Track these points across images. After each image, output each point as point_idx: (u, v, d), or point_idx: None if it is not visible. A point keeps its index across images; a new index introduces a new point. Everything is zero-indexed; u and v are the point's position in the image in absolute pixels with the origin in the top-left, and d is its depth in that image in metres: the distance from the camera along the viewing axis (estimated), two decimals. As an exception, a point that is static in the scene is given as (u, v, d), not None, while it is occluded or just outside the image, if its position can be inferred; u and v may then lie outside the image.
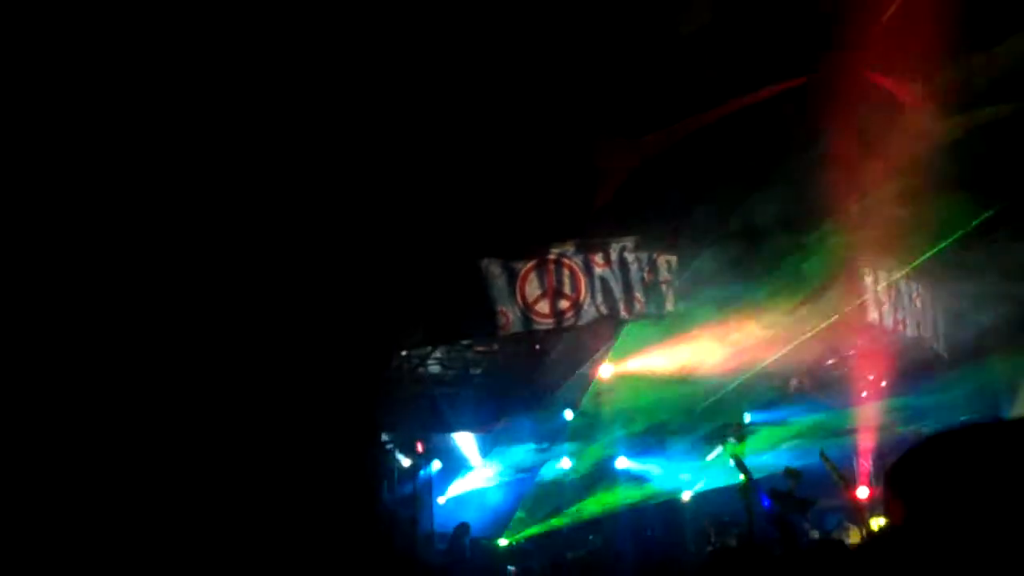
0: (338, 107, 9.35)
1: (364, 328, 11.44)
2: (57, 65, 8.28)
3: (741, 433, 14.48)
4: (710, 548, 13.07)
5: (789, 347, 13.95)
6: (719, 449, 16.07)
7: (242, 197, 9.92)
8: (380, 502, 12.40)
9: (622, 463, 16.11)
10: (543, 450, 15.94)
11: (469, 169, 11.31)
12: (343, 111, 9.45)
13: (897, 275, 13.12)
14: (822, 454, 12.20)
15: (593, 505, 15.83)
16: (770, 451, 15.01)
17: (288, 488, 9.83)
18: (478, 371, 14.39)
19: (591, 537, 15.46)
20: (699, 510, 15.26)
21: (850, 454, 16.72)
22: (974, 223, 10.75)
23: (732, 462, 10.55)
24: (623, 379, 14.10)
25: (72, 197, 8.92)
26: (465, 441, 15.41)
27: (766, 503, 8.77)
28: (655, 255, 12.08)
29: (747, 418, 15.30)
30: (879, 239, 11.69)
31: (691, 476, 16.30)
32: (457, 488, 15.47)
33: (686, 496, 16.64)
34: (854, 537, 13.34)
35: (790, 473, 11.79)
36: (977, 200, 10.77)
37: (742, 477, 10.55)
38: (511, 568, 13.26)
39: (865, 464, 16.69)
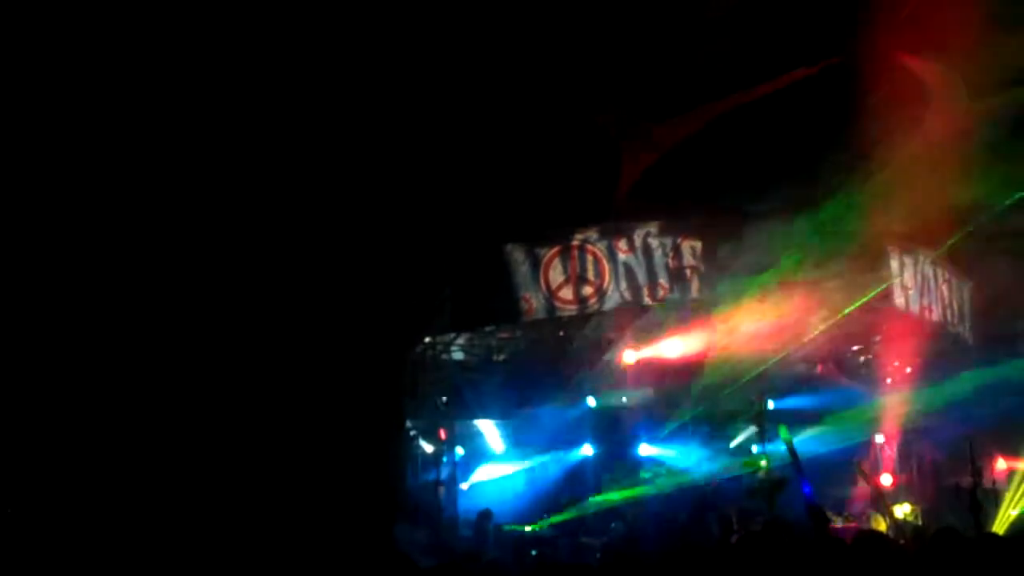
0: (367, 93, 9.38)
1: (388, 314, 11.44)
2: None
3: (762, 419, 14.36)
4: (734, 535, 13.02)
5: (814, 331, 13.88)
6: (742, 436, 15.99)
7: (265, 183, 9.95)
8: (403, 488, 12.41)
9: (645, 450, 16.07)
10: (566, 437, 15.91)
11: (492, 156, 11.31)
12: (372, 97, 9.48)
13: (924, 260, 13.03)
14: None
15: (616, 492, 15.79)
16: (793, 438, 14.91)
17: (311, 474, 9.86)
18: (501, 357, 14.39)
19: (613, 524, 15.39)
20: (722, 497, 15.19)
21: (874, 442, 16.64)
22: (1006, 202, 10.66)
23: (785, 446, 10.44)
24: (646, 365, 14.06)
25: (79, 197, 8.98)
26: (488, 428, 15.41)
27: (807, 490, 8.69)
28: (679, 240, 12.04)
29: (769, 404, 15.18)
30: (906, 221, 11.61)
31: (714, 463, 16.22)
32: (480, 475, 15.44)
33: (709, 483, 16.57)
34: (878, 524, 13.33)
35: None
36: (1008, 182, 10.69)
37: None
38: (534, 553, 13.21)
39: (889, 452, 16.62)
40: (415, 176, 10.86)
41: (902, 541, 9.81)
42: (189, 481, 9.13)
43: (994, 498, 13.31)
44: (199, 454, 9.22)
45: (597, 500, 15.53)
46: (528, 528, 14.72)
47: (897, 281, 12.71)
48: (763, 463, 13.60)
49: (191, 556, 8.66)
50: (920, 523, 13.99)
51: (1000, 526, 12.87)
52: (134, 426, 9.12)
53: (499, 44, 9.87)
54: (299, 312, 10.31)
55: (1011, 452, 14.77)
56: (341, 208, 10.59)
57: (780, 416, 14.68)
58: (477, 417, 14.83)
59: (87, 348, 9.06)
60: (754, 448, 15.40)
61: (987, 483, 12.72)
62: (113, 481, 8.97)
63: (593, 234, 12.11)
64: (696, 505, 15.71)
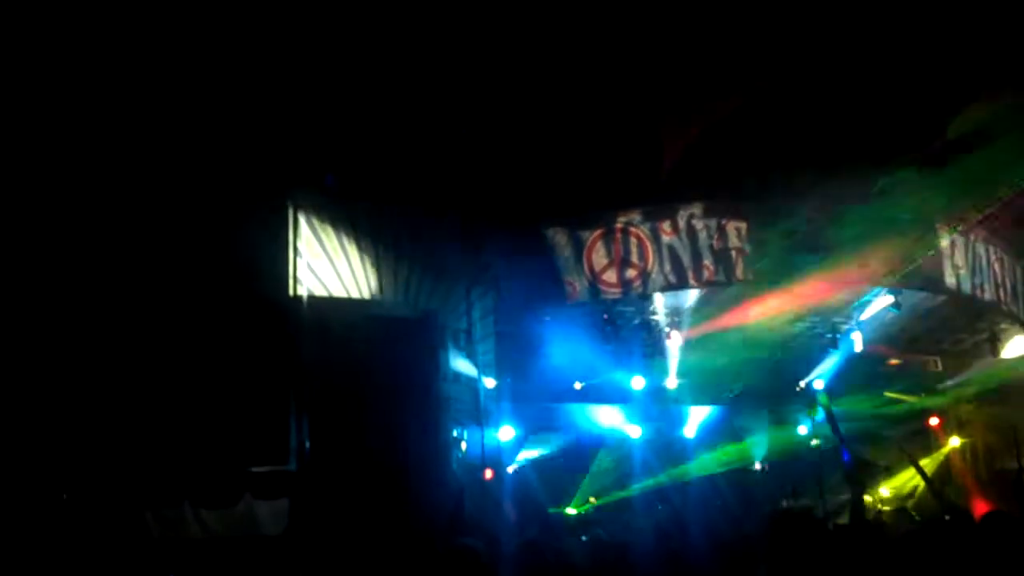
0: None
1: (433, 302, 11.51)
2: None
3: (811, 399, 14.27)
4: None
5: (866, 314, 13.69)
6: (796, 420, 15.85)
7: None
8: (451, 470, 12.47)
9: (691, 431, 16.01)
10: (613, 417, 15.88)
11: (535, 138, 11.29)
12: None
13: (975, 238, 12.77)
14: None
15: (662, 474, 15.77)
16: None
17: (361, 464, 9.96)
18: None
19: (659, 507, 15.41)
20: (770, 480, 15.13)
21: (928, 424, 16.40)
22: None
23: (824, 413, 10.38)
24: (693, 346, 13.97)
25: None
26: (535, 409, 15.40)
27: (847, 456, 8.70)
28: (724, 221, 11.91)
29: (818, 384, 15.01)
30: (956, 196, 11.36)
31: (762, 446, 16.14)
32: (526, 456, 15.47)
33: (757, 466, 16.49)
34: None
35: None
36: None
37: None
38: (584, 538, 13.22)
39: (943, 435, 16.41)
40: (456, 160, 10.91)
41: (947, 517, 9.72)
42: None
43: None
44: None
45: (643, 482, 15.55)
46: (573, 511, 14.78)
47: (948, 261, 12.47)
48: (814, 442, 13.55)
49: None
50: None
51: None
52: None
53: (538, 25, 9.84)
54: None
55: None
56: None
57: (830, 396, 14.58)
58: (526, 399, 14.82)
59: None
60: (802, 428, 15.32)
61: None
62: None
63: (636, 216, 12.02)
64: (744, 489, 15.65)
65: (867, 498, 14.75)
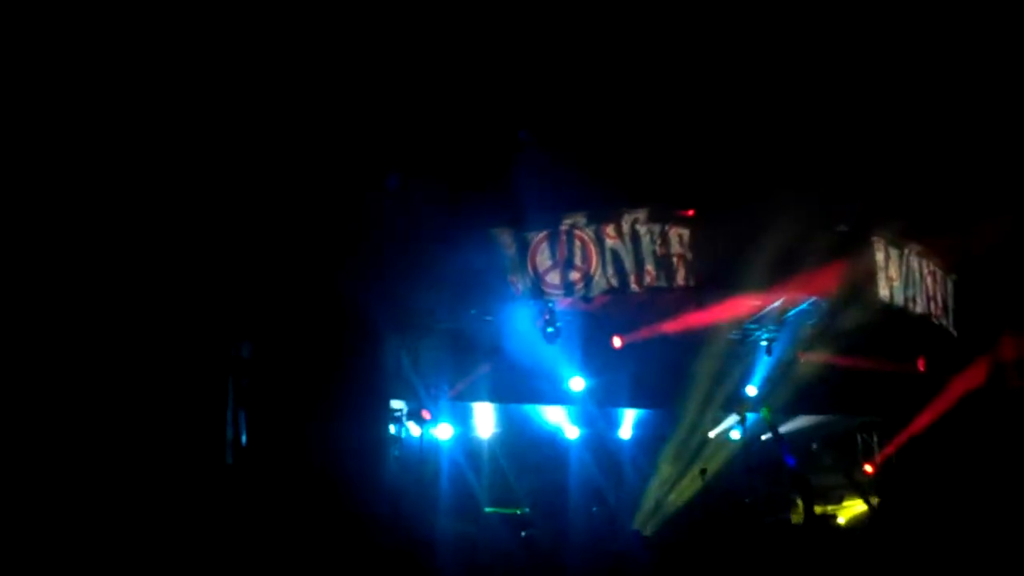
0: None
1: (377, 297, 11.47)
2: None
3: (742, 407, 14.48)
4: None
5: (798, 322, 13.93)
6: (726, 423, 16.06)
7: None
8: (387, 471, 12.44)
9: (627, 432, 16.15)
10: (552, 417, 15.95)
11: (480, 139, 11.33)
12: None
13: (909, 252, 13.08)
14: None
15: (598, 475, 15.86)
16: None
17: (297, 459, 9.90)
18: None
19: (594, 509, 15.51)
20: (706, 482, 15.28)
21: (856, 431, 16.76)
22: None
23: (767, 424, 10.58)
24: (633, 349, 14.09)
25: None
26: (475, 408, 15.39)
27: (791, 462, 8.95)
28: (668, 227, 12.08)
29: (751, 390, 15.25)
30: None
31: (699, 448, 16.31)
32: (465, 455, 15.44)
33: (695, 469, 16.68)
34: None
35: None
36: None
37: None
38: (523, 534, 13.27)
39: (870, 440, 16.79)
40: (406, 158, 10.92)
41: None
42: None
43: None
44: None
45: (580, 483, 15.63)
46: (510, 511, 14.80)
47: (882, 273, 12.75)
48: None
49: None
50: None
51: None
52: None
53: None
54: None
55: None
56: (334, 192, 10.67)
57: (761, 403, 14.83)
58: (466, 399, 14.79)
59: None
60: (735, 434, 15.55)
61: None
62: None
63: (581, 219, 12.15)
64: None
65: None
